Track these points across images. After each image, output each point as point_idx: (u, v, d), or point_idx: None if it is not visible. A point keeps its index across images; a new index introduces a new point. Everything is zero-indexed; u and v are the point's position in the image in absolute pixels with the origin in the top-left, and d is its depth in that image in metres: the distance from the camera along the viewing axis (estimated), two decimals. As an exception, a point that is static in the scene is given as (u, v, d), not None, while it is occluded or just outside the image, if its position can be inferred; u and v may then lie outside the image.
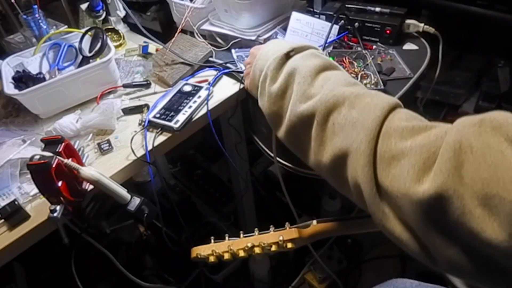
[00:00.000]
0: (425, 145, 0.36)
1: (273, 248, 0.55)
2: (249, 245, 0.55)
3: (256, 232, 0.57)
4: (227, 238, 0.58)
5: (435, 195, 0.33)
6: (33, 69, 0.91)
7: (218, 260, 0.58)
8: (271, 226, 0.58)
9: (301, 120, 0.52)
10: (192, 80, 0.92)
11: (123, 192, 0.66)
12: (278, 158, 0.89)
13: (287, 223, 0.58)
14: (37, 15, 0.95)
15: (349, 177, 0.44)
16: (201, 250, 0.58)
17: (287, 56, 0.58)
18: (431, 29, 0.91)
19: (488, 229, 0.30)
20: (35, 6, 0.95)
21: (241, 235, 0.58)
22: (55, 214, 0.57)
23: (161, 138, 0.78)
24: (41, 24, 0.97)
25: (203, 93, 0.85)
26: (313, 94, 0.51)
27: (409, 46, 0.95)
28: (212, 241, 0.59)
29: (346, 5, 0.98)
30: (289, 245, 0.55)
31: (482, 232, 0.30)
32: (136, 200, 0.67)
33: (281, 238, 0.55)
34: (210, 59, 0.98)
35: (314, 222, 0.57)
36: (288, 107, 0.54)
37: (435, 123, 0.40)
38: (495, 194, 0.29)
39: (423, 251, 0.37)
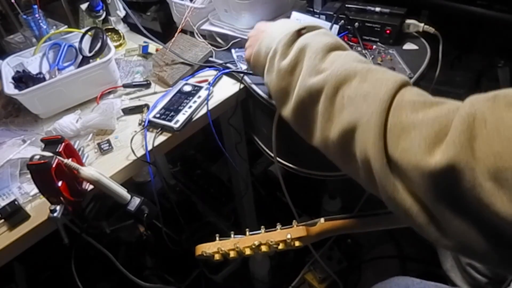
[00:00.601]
0: (437, 117, 0.36)
1: (281, 246, 0.55)
2: (256, 243, 0.54)
3: (263, 230, 0.57)
4: (232, 235, 0.58)
5: (446, 167, 0.33)
6: (33, 69, 0.91)
7: (223, 258, 0.57)
8: (278, 223, 0.57)
9: (310, 94, 0.51)
10: (192, 80, 0.92)
11: (123, 192, 0.66)
12: (278, 158, 0.89)
13: (294, 220, 0.57)
14: (37, 15, 0.95)
15: (358, 151, 0.44)
16: (206, 248, 0.57)
17: (299, 33, 0.57)
18: (431, 29, 0.91)
19: (498, 202, 0.30)
20: (35, 6, 0.95)
21: (247, 233, 0.57)
22: (55, 214, 0.57)
23: (161, 138, 0.78)
24: (41, 24, 0.97)
25: (203, 93, 0.85)
26: (324, 69, 0.50)
27: (409, 46, 0.95)
28: (217, 238, 0.58)
29: (346, 5, 0.98)
30: (297, 243, 0.55)
31: (491, 206, 0.30)
32: (136, 200, 0.67)
33: (289, 236, 0.54)
34: (210, 59, 0.98)
35: (322, 220, 0.56)
36: (297, 83, 0.53)
37: (447, 100, 0.39)
38: (507, 168, 0.29)
39: (433, 224, 0.37)
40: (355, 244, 1.39)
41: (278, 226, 0.57)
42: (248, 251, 0.55)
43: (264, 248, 0.55)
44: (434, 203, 0.36)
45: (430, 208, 0.37)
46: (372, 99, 0.42)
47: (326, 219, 0.56)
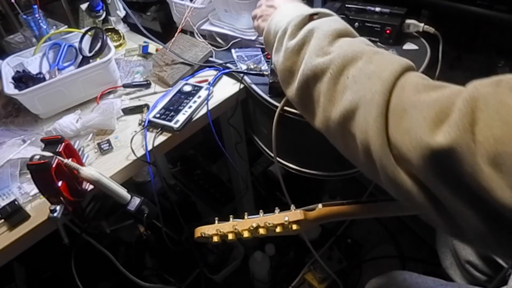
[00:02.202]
0: (438, 99, 0.36)
1: (278, 229, 0.55)
2: (254, 225, 0.55)
3: (261, 214, 0.57)
4: (231, 219, 0.58)
5: (447, 149, 0.33)
6: (33, 69, 0.91)
7: (221, 240, 0.57)
8: (276, 207, 0.57)
9: (314, 73, 0.50)
10: (192, 80, 0.92)
11: (123, 192, 0.66)
12: (278, 158, 0.89)
13: (292, 205, 0.58)
14: (37, 15, 0.95)
15: (358, 131, 0.43)
16: (205, 230, 0.57)
17: (311, 18, 0.57)
18: (431, 29, 0.91)
19: (497, 188, 0.30)
20: (35, 6, 0.95)
21: (246, 216, 0.57)
22: (55, 214, 0.57)
23: (161, 138, 0.78)
24: (41, 24, 0.97)
25: (203, 93, 0.85)
26: (331, 51, 0.50)
27: (409, 46, 0.95)
28: (216, 221, 0.58)
29: (346, 5, 0.98)
30: (294, 226, 0.55)
31: (491, 191, 0.30)
32: (136, 200, 0.67)
33: (286, 219, 0.55)
34: (210, 59, 0.98)
35: (320, 205, 0.57)
36: (303, 62, 0.53)
37: (450, 84, 0.39)
38: (507, 152, 0.29)
39: (432, 204, 0.37)
40: (355, 244, 1.39)
41: (277, 210, 0.57)
42: (246, 234, 0.56)
43: (262, 231, 0.55)
44: (434, 184, 0.36)
45: (431, 189, 0.37)
46: (376, 79, 0.42)
47: (324, 204, 0.56)
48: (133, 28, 1.18)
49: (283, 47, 0.58)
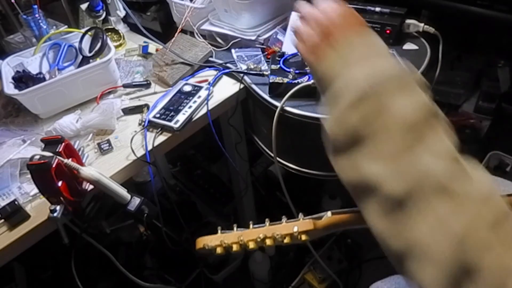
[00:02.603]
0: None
1: (287, 240, 0.52)
2: (261, 236, 0.52)
3: (267, 223, 0.54)
4: (235, 228, 0.56)
5: None
6: (33, 69, 0.91)
7: (225, 252, 0.54)
8: (283, 216, 0.55)
9: (367, 186, 0.36)
10: (192, 80, 0.92)
11: (123, 192, 0.66)
12: (278, 158, 0.89)
13: (300, 213, 0.55)
14: (37, 15, 0.95)
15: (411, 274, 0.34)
16: (208, 241, 0.54)
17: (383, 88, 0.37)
18: (431, 29, 0.91)
19: None
20: (35, 6, 0.95)
21: (251, 226, 0.55)
22: (55, 214, 0.57)
23: (161, 138, 0.78)
24: (41, 24, 0.97)
25: (203, 93, 0.85)
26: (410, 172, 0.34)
27: (409, 46, 0.95)
28: (219, 231, 0.55)
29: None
30: (304, 237, 0.52)
31: None
32: (136, 200, 0.67)
33: (295, 229, 0.52)
34: (210, 59, 0.98)
35: (329, 213, 0.54)
36: (360, 165, 0.37)
37: None
38: None
39: None
40: (355, 244, 1.38)
41: (284, 219, 0.54)
42: (252, 245, 0.53)
43: (269, 242, 0.52)
44: None
45: None
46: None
47: (333, 212, 0.54)
48: (133, 28, 1.18)
49: (337, 111, 0.39)
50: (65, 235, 0.61)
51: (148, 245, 1.28)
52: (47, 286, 1.18)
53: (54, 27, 1.04)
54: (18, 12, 0.96)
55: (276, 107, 0.78)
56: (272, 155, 0.87)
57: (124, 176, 0.74)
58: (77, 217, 0.64)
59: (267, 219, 0.55)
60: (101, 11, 1.05)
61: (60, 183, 0.57)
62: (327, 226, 0.54)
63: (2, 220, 0.62)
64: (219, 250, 0.54)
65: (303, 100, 0.80)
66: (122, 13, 1.15)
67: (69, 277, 0.68)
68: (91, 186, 0.66)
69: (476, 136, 1.62)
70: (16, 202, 0.63)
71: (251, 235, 0.53)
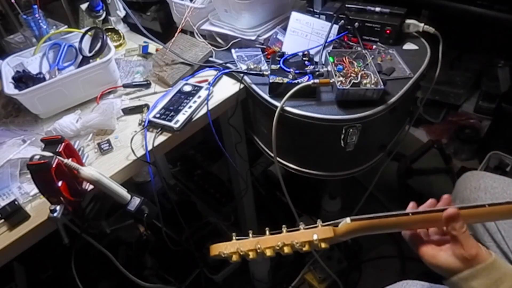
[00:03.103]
0: None
1: (306, 247, 0.51)
2: (280, 244, 0.51)
3: (284, 230, 0.53)
4: (250, 235, 0.54)
5: None
6: (33, 69, 0.91)
7: (240, 259, 0.53)
8: (301, 223, 0.53)
9: None
10: (192, 80, 0.92)
11: (123, 192, 0.66)
12: (278, 158, 0.89)
13: (319, 220, 0.53)
14: (37, 15, 0.95)
15: None
16: (223, 248, 0.53)
17: None
18: (431, 29, 0.91)
19: None
20: (35, 6, 0.95)
21: (267, 232, 0.53)
22: (55, 214, 0.57)
23: (161, 138, 0.78)
24: (41, 24, 0.97)
25: (203, 93, 0.85)
26: None
27: (409, 46, 0.95)
28: (234, 237, 0.54)
29: (346, 5, 0.98)
30: (323, 244, 0.51)
31: None
32: (136, 200, 0.67)
33: (315, 237, 0.51)
34: (210, 59, 0.98)
35: (348, 220, 0.53)
36: None
37: None
38: None
39: None
40: (355, 244, 1.39)
41: (301, 225, 0.53)
42: (269, 252, 0.51)
43: (287, 250, 0.51)
44: None
45: None
46: None
47: (353, 219, 0.53)
48: (133, 28, 1.18)
49: None
50: (65, 235, 0.61)
51: (148, 245, 1.28)
52: (47, 286, 1.18)
53: (54, 27, 1.04)
54: (18, 12, 0.96)
55: (276, 107, 0.78)
56: (272, 155, 0.87)
57: (124, 176, 0.74)
58: (77, 217, 0.64)
59: (284, 226, 0.53)
60: (101, 11, 1.05)
61: (60, 183, 0.57)
62: (347, 232, 0.53)
63: (2, 220, 0.62)
64: (235, 258, 0.52)
65: (303, 100, 0.80)
66: (122, 13, 1.15)
67: (69, 277, 0.68)
68: (91, 186, 0.66)
69: (476, 136, 1.63)
70: (16, 202, 0.63)
71: (269, 242, 0.52)
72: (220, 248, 0.53)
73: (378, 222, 0.53)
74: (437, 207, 0.54)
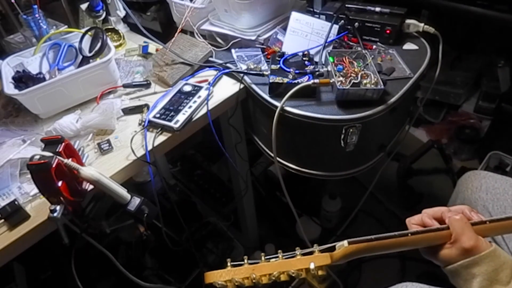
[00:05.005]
0: None
1: (303, 275, 0.50)
2: (276, 274, 0.50)
3: (280, 255, 0.52)
4: (246, 261, 0.53)
5: None
6: (33, 69, 0.91)
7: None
8: (297, 248, 0.52)
9: None
10: (192, 80, 0.92)
11: (123, 192, 0.66)
12: (278, 158, 0.89)
13: (315, 245, 0.52)
14: (37, 15, 0.95)
15: None
16: (218, 276, 0.52)
17: None
18: (431, 29, 0.91)
19: None
20: (35, 6, 0.95)
21: (263, 258, 0.53)
22: (55, 214, 0.57)
23: (161, 138, 0.78)
24: (41, 24, 0.96)
25: (203, 93, 0.85)
26: None
27: (409, 46, 0.95)
28: (229, 264, 0.53)
29: (346, 5, 0.98)
30: (321, 272, 0.50)
31: None
32: (136, 200, 0.67)
33: (312, 266, 0.50)
34: (210, 59, 0.98)
35: (345, 243, 0.52)
36: None
37: None
38: None
39: None
40: (355, 244, 1.38)
41: (298, 251, 0.52)
42: (265, 280, 0.51)
43: (283, 278, 0.50)
44: None
45: None
46: None
47: (350, 242, 0.52)
48: (133, 28, 1.18)
49: None
50: (65, 235, 0.60)
51: (148, 245, 1.27)
52: (47, 286, 1.18)
53: (54, 27, 1.04)
54: (18, 12, 0.96)
55: (276, 107, 0.78)
56: (272, 155, 0.87)
57: (124, 176, 0.74)
58: (77, 217, 0.64)
59: (279, 251, 0.53)
60: (101, 11, 1.05)
61: (60, 183, 0.57)
62: (344, 256, 0.52)
63: (2, 220, 0.62)
64: (230, 287, 0.51)
65: (303, 100, 0.80)
66: (122, 13, 1.15)
67: (69, 277, 0.68)
68: (91, 186, 0.66)
69: (476, 136, 1.63)
70: (16, 202, 0.63)
71: (264, 269, 0.51)
72: (215, 277, 0.52)
73: (377, 244, 0.52)
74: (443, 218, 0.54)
